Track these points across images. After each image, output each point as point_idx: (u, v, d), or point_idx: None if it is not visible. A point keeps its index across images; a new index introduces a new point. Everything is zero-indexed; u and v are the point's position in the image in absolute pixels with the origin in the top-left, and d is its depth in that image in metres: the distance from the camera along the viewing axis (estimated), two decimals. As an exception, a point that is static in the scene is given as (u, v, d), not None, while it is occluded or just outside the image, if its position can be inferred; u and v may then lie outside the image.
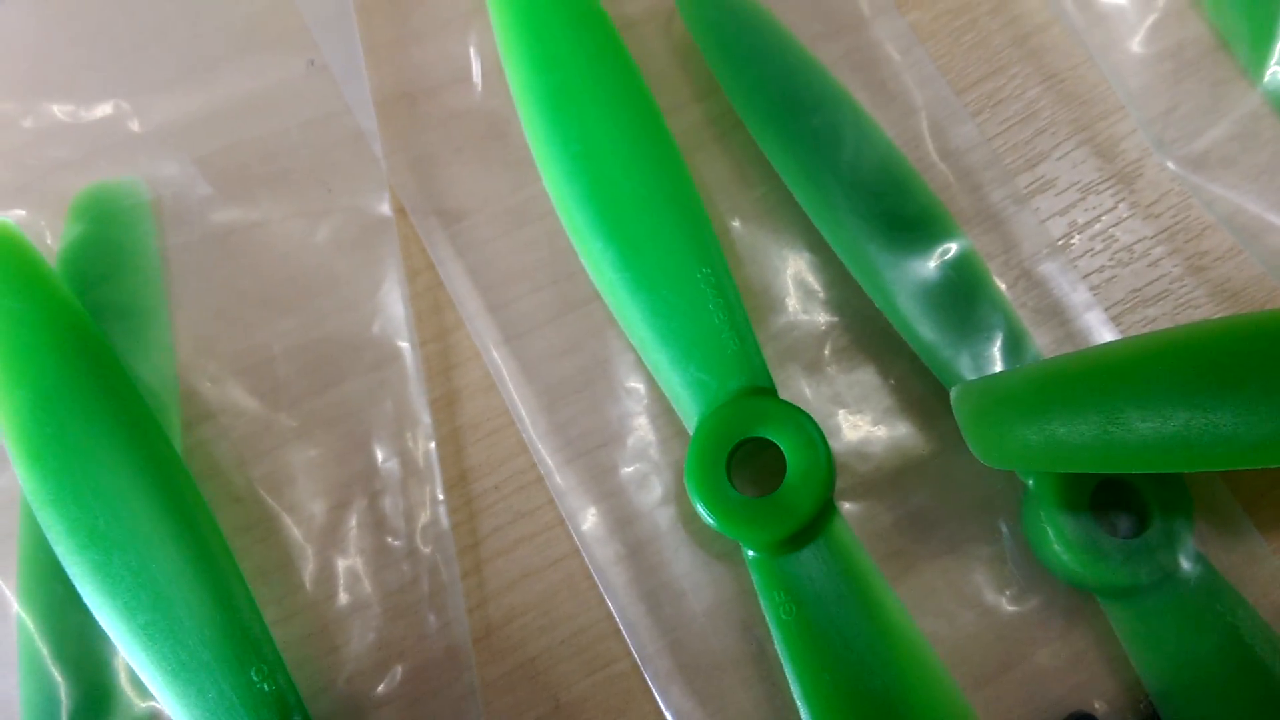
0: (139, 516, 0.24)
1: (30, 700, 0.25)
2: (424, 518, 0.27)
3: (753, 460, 0.25)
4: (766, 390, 0.25)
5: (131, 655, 0.24)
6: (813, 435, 0.24)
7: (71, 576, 0.24)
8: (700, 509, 0.24)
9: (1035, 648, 0.25)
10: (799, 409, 0.24)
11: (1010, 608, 0.25)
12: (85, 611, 0.24)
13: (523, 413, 0.27)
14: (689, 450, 0.24)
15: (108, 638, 0.25)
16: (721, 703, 0.25)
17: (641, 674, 0.26)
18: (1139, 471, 0.22)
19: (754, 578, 0.24)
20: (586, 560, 0.26)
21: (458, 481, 0.27)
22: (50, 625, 0.25)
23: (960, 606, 0.25)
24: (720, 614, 0.26)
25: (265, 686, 0.24)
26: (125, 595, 0.24)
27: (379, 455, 0.27)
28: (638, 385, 0.27)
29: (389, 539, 0.27)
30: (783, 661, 0.24)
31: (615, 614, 0.26)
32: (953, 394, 0.24)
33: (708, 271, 0.25)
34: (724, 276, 0.25)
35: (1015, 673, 0.25)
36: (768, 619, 0.24)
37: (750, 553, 0.25)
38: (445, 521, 0.27)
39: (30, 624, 0.25)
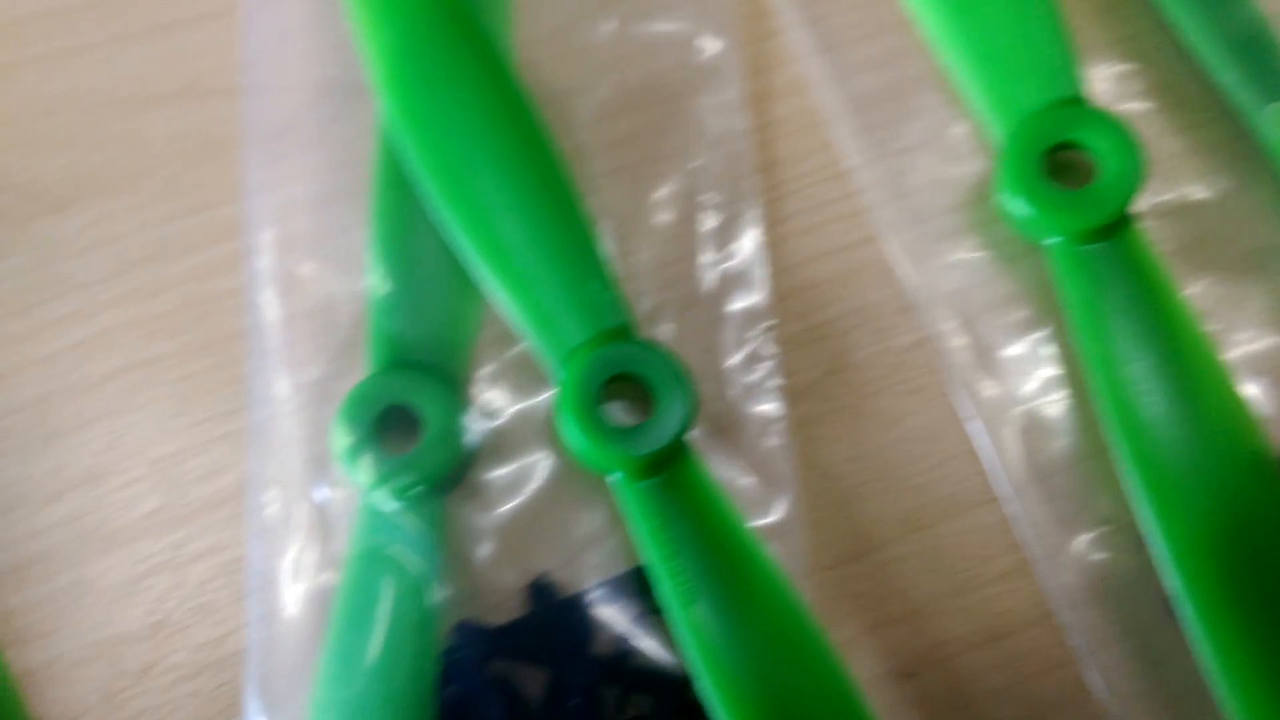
0: (496, 141, 0.27)
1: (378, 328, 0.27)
2: (735, 194, 0.29)
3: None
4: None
5: (483, 262, 0.27)
6: (1125, 136, 0.27)
7: (432, 198, 0.27)
8: (1015, 201, 0.27)
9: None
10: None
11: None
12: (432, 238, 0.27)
13: (831, 112, 0.30)
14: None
15: (440, 257, 0.27)
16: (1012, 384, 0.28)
17: (928, 348, 0.29)
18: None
19: (1058, 266, 0.27)
20: (884, 247, 0.29)
21: (766, 167, 0.30)
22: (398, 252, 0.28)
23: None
24: (1007, 296, 0.29)
25: (601, 295, 0.27)
26: (479, 210, 0.27)
27: (696, 135, 0.30)
28: (939, 101, 0.30)
29: (701, 213, 0.29)
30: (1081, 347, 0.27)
31: (914, 290, 0.29)
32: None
33: None
34: None
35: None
36: (1071, 307, 0.27)
37: (1055, 239, 0.27)
38: (753, 197, 0.29)
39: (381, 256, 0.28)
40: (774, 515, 0.27)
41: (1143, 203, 0.28)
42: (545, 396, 0.28)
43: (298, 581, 0.27)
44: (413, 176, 0.27)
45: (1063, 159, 0.28)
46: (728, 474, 0.27)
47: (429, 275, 0.28)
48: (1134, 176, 0.27)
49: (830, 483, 0.28)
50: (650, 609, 0.26)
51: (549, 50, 0.30)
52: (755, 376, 0.28)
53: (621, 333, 0.27)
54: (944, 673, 0.27)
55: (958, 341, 0.28)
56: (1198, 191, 0.29)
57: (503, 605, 0.27)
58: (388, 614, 0.26)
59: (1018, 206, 0.27)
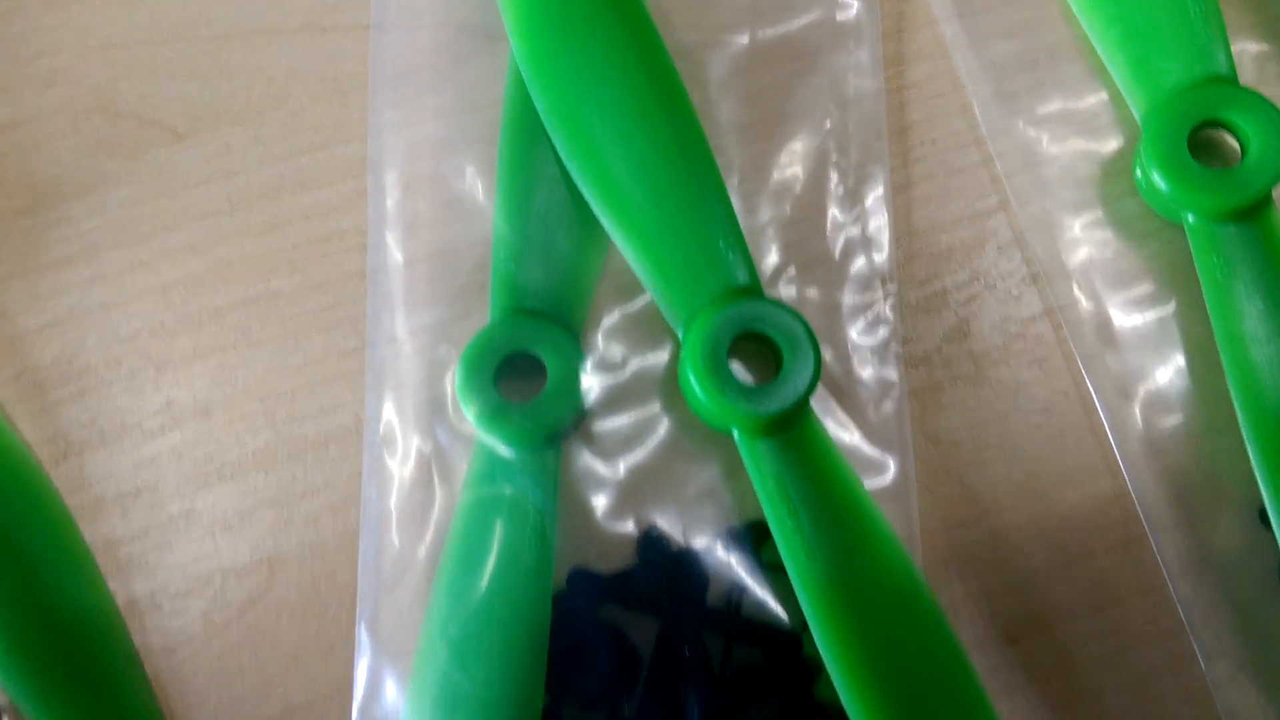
0: (627, 92, 0.27)
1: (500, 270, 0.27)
2: (866, 155, 0.29)
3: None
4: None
5: (609, 214, 0.27)
6: (1275, 118, 0.27)
7: (559, 147, 0.27)
8: (1158, 177, 0.27)
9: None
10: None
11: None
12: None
13: (967, 77, 0.30)
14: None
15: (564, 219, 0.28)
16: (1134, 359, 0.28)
17: (1052, 320, 0.29)
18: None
19: (1193, 243, 0.27)
20: (1013, 216, 0.29)
21: (898, 130, 0.30)
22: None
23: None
24: (1134, 271, 0.29)
25: (729, 254, 0.27)
26: (607, 162, 0.27)
27: (830, 94, 0.29)
28: (1079, 71, 0.30)
29: (831, 172, 0.29)
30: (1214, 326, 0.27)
31: (1040, 261, 0.29)
32: None
33: None
34: None
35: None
36: (1206, 286, 0.27)
37: (1193, 218, 0.27)
38: (884, 159, 0.29)
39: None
40: (888, 478, 0.27)
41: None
42: (666, 351, 0.28)
43: (411, 522, 0.27)
44: (541, 124, 0.27)
45: (1204, 137, 0.28)
46: (844, 436, 0.27)
47: (554, 224, 0.28)
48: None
49: (945, 449, 0.28)
50: (762, 565, 0.27)
51: (685, 1, 0.30)
52: (875, 340, 0.28)
53: (747, 291, 0.26)
54: (1048, 639, 0.27)
55: (1083, 314, 0.28)
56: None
57: (615, 554, 0.27)
58: (502, 557, 0.26)
59: (1160, 182, 0.27)
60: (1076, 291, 0.28)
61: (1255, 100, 0.27)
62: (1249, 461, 0.26)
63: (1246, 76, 0.29)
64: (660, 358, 0.28)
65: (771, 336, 0.26)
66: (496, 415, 0.26)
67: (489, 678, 0.25)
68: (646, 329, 0.28)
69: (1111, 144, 0.29)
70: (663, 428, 0.28)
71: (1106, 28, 0.28)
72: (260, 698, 0.27)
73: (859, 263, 0.29)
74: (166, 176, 0.30)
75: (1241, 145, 0.27)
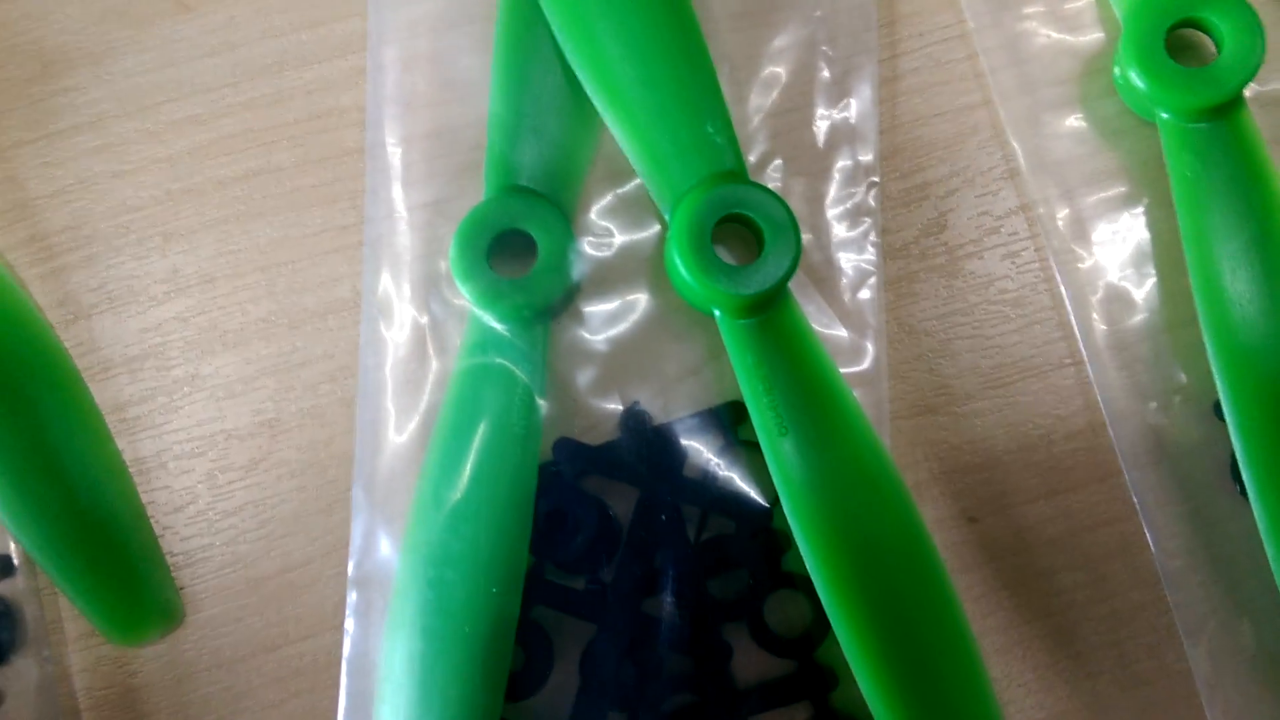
0: None
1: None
2: (855, 47, 0.30)
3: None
4: None
5: (602, 96, 0.27)
6: (1250, 18, 0.27)
7: (555, 29, 0.28)
8: (1135, 74, 0.28)
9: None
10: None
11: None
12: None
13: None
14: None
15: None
16: (1103, 255, 0.29)
17: (1027, 215, 0.30)
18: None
19: (1165, 141, 0.28)
20: (997, 112, 0.30)
21: (888, 22, 0.30)
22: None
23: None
24: (1109, 170, 0.29)
25: (717, 139, 0.28)
26: (601, 45, 0.27)
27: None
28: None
29: (820, 63, 0.30)
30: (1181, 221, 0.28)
31: (1020, 157, 0.29)
32: None
33: None
34: None
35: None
36: (1176, 182, 0.28)
37: (1168, 115, 0.28)
38: (873, 51, 0.30)
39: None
40: (862, 364, 0.29)
41: (1252, 89, 0.29)
42: (653, 232, 0.29)
43: (406, 390, 0.29)
44: (538, 4, 0.28)
45: (1182, 37, 0.28)
46: (821, 321, 0.29)
47: (549, 105, 0.28)
48: (1253, 58, 0.27)
49: (917, 337, 0.29)
50: (738, 441, 0.28)
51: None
52: (856, 230, 0.29)
53: (734, 176, 0.27)
54: (1006, 520, 0.29)
55: (1057, 210, 0.29)
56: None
57: (599, 428, 0.29)
58: (492, 425, 0.27)
59: (1137, 79, 0.27)
60: (1052, 188, 0.29)
61: (1232, 0, 0.27)
62: (1207, 356, 0.27)
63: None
64: (648, 239, 0.29)
65: (755, 220, 0.27)
66: (489, 290, 0.27)
67: (477, 538, 0.27)
68: (635, 211, 0.29)
69: (1094, 42, 0.30)
70: (648, 307, 0.29)
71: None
72: (261, 554, 0.29)
73: (844, 153, 0.29)
74: (172, 47, 0.31)
75: (1217, 45, 0.28)
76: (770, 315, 0.27)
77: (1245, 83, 0.27)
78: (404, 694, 0.26)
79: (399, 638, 0.26)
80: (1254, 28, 0.27)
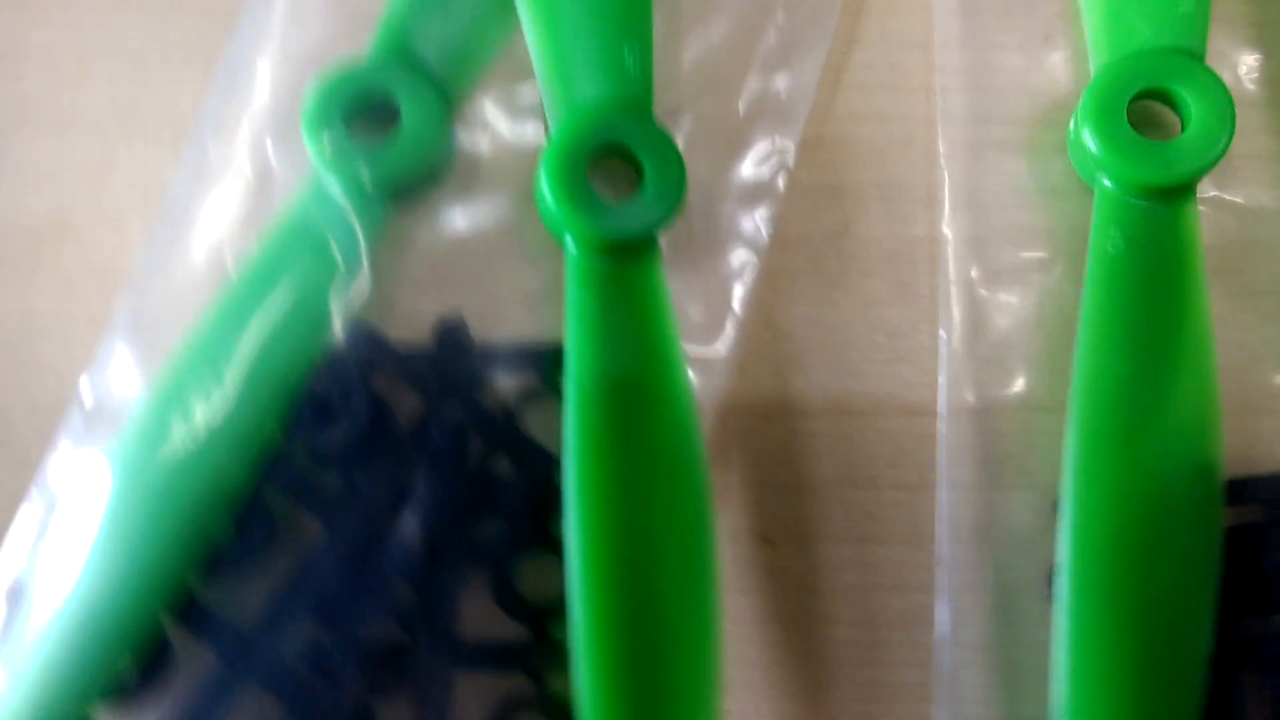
0: None
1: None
2: (811, 20, 0.27)
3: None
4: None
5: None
6: (1223, 103, 0.25)
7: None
8: (1089, 134, 0.25)
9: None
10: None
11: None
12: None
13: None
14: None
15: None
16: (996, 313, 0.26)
17: (934, 248, 0.27)
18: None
19: (1097, 209, 0.25)
20: (937, 134, 0.27)
21: (853, 10, 0.28)
22: None
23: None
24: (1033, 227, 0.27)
25: (630, 67, 0.25)
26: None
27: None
28: (1057, 10, 0.28)
29: (770, 28, 0.27)
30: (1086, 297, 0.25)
31: (946, 187, 0.27)
32: None
33: None
34: None
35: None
36: (1094, 255, 0.25)
37: (1111, 184, 0.25)
38: (828, 32, 0.27)
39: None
40: (709, 346, 0.26)
41: (1204, 186, 0.26)
42: (534, 144, 0.26)
43: (211, 229, 0.26)
44: None
45: (1153, 111, 0.26)
46: (682, 292, 0.26)
47: (465, -22, 0.26)
48: (1215, 147, 0.25)
49: (778, 339, 0.27)
50: (549, 387, 0.25)
51: None
52: (751, 209, 0.27)
53: (635, 108, 0.25)
54: (804, 553, 0.26)
55: (967, 252, 0.26)
56: (1265, 199, 0.27)
57: (410, 331, 0.26)
58: (289, 294, 0.25)
59: (1089, 137, 0.25)
60: (970, 228, 0.27)
61: (1210, 81, 0.25)
62: (1064, 450, 0.24)
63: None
64: (525, 150, 0.27)
65: (640, 160, 0.25)
66: (338, 152, 0.25)
67: (227, 392, 0.24)
68: (523, 118, 0.27)
69: (1061, 92, 0.27)
70: (503, 222, 0.27)
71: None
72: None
73: (764, 127, 0.27)
74: None
75: (1183, 124, 0.25)
76: (626, 268, 0.25)
77: (1200, 170, 0.24)
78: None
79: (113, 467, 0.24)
80: (1224, 115, 0.25)
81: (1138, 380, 0.24)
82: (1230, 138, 0.25)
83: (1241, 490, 0.25)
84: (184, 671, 0.24)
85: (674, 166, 0.25)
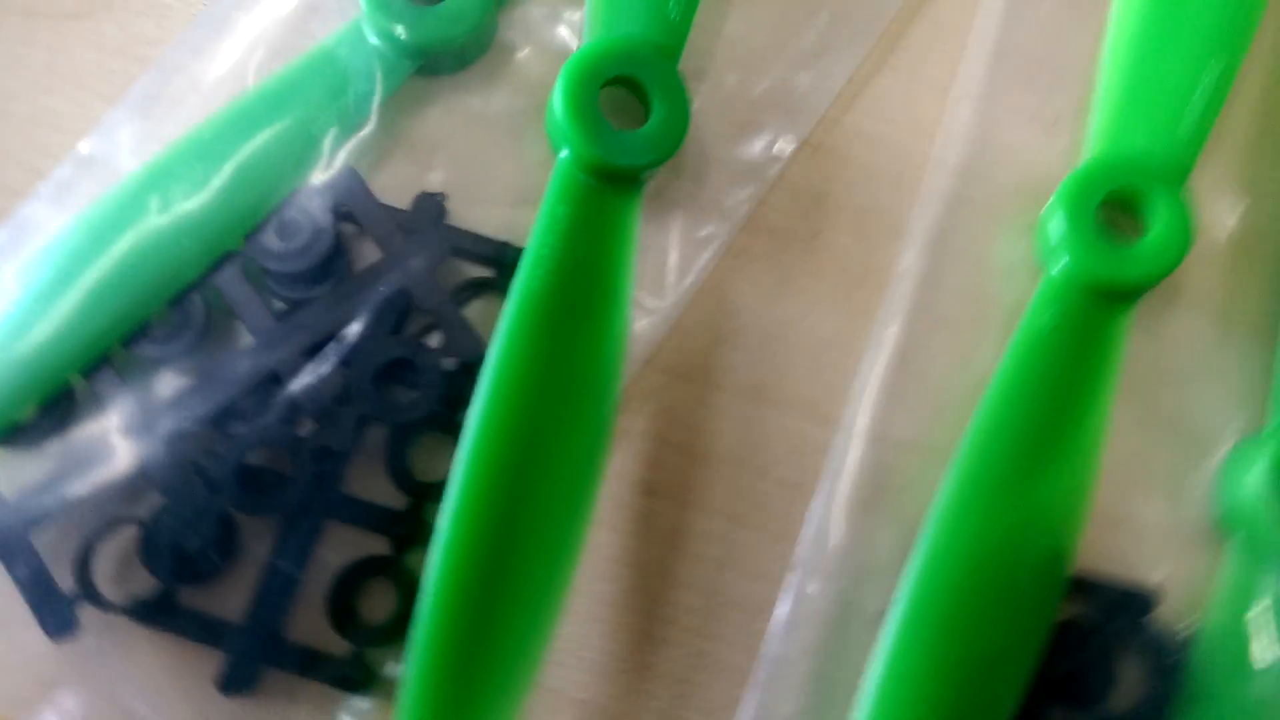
0: None
1: None
2: (857, 30, 0.29)
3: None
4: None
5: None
6: (1185, 223, 0.26)
7: None
8: (1052, 221, 0.27)
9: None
10: None
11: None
12: None
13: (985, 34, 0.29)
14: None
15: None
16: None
17: (888, 277, 0.28)
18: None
19: (1037, 294, 0.27)
20: (937, 173, 0.28)
21: (893, 35, 0.29)
22: None
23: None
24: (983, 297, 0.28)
25: (672, 12, 0.27)
26: None
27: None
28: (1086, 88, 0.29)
29: (810, 28, 0.29)
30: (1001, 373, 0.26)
31: (915, 226, 0.28)
32: None
33: None
34: None
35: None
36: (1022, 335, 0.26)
37: (1054, 270, 0.27)
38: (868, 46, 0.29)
39: None
40: (656, 297, 0.27)
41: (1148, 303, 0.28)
42: (562, 59, 0.27)
43: (246, 38, 0.27)
44: None
45: (1124, 219, 0.27)
46: (650, 239, 0.27)
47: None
48: (1165, 261, 0.26)
49: (719, 311, 0.28)
50: (500, 285, 0.26)
51: None
52: (740, 186, 0.28)
53: (663, 53, 0.26)
54: (677, 512, 0.27)
55: (915, 293, 0.28)
56: (1199, 332, 0.28)
57: (396, 192, 0.27)
58: (299, 117, 0.26)
59: (1054, 225, 0.26)
60: (924, 271, 0.28)
61: (1177, 204, 0.26)
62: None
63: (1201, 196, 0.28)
64: (553, 61, 0.28)
65: (652, 100, 0.26)
66: (385, 1, 0.26)
67: (208, 190, 0.26)
68: (562, 32, 0.28)
69: (1049, 175, 0.28)
70: (512, 120, 0.28)
71: (1115, 63, 0.27)
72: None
73: (775, 115, 0.28)
74: None
75: (1146, 234, 0.26)
76: (606, 197, 0.26)
77: (1150, 278, 0.26)
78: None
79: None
80: (1182, 234, 0.26)
81: (1023, 453, 0.25)
82: (1182, 254, 0.26)
83: (1082, 587, 0.26)
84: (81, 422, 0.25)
85: (680, 117, 0.26)
